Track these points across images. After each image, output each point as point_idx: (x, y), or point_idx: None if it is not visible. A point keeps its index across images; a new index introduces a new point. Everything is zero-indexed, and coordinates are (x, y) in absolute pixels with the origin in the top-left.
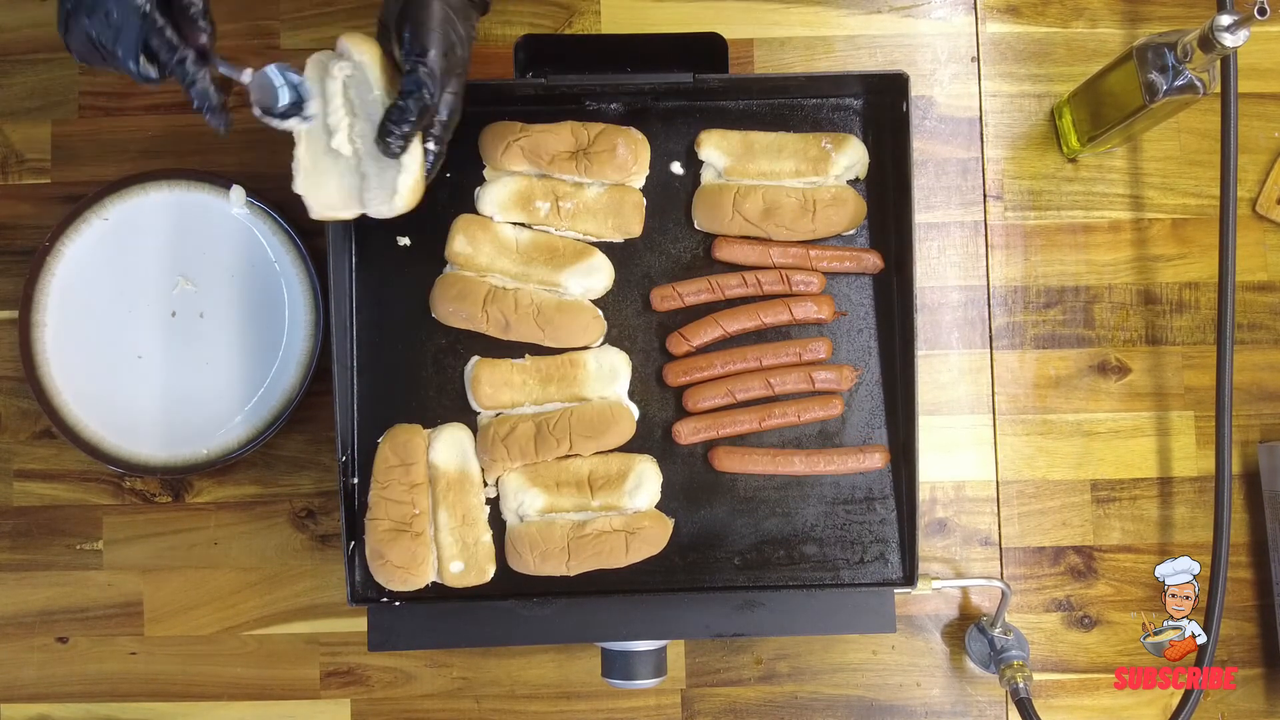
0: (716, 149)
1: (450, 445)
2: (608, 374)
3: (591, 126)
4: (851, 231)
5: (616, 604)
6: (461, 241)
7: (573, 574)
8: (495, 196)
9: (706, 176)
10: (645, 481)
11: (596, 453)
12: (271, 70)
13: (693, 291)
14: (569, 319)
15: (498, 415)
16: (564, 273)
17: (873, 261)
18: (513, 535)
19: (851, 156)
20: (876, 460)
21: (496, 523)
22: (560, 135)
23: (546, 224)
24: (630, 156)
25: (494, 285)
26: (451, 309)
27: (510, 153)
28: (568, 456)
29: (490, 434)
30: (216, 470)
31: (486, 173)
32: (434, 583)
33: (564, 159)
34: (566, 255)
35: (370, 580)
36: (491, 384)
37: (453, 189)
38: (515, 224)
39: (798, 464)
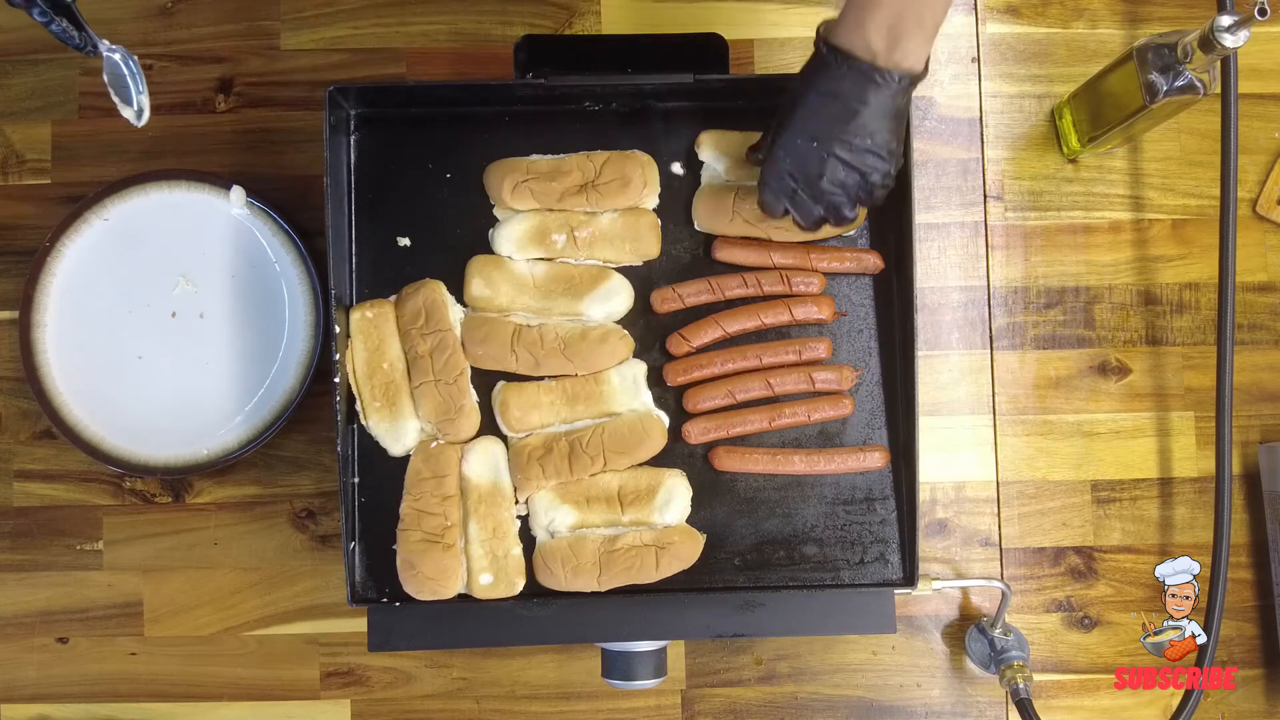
0: (716, 149)
1: (483, 458)
2: (631, 386)
3: (596, 157)
4: (852, 232)
5: (616, 604)
6: (479, 284)
7: (604, 589)
8: (511, 235)
9: (706, 177)
10: (675, 497)
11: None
12: (123, 58)
13: (693, 292)
14: (595, 347)
15: (529, 435)
16: (584, 300)
17: (873, 262)
18: (544, 551)
19: None
20: (876, 460)
21: (526, 538)
22: (567, 174)
23: (565, 255)
24: (640, 182)
25: (518, 324)
26: (480, 352)
27: (519, 193)
28: (601, 472)
29: (525, 454)
30: (216, 470)
31: (498, 211)
32: (462, 594)
33: (573, 194)
34: (584, 283)
35: (370, 580)
36: (520, 407)
37: (452, 188)
38: (533, 259)
39: (798, 463)
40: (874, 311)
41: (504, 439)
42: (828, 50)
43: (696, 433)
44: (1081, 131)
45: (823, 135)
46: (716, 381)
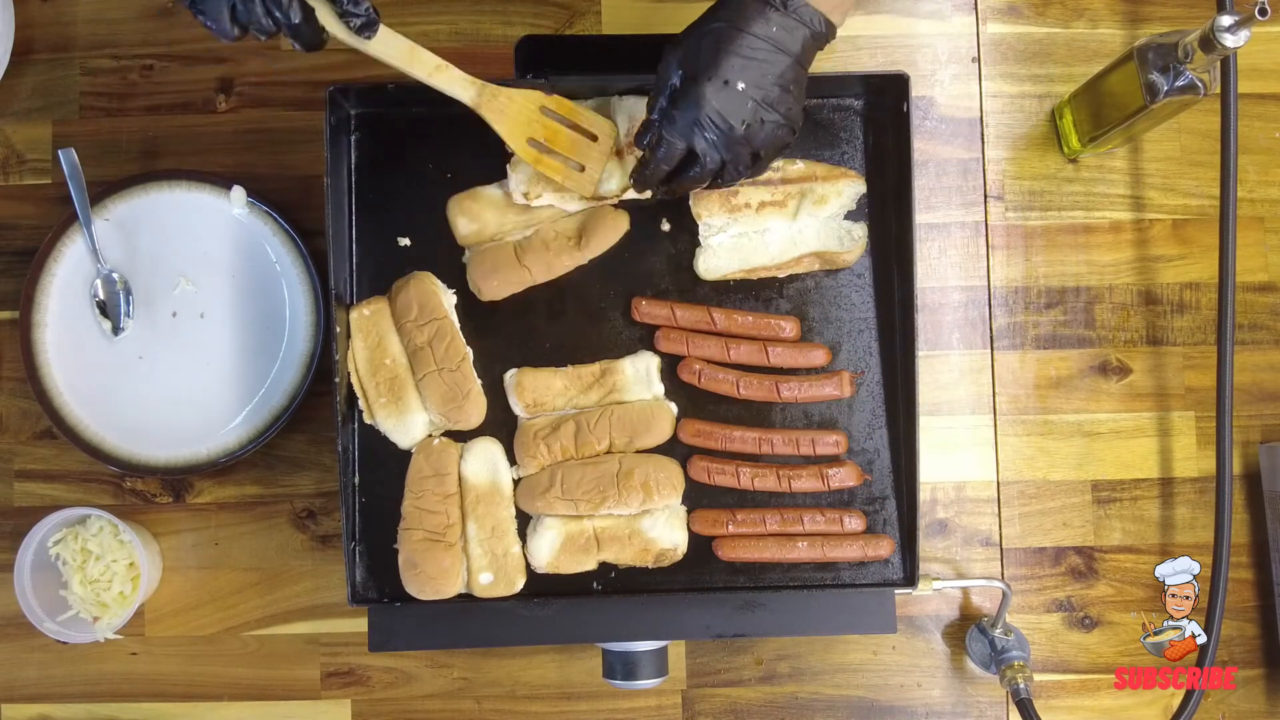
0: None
1: (481, 458)
2: (644, 377)
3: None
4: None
5: (617, 604)
6: (464, 223)
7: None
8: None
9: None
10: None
11: (638, 450)
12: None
13: (690, 319)
14: (599, 222)
15: (538, 416)
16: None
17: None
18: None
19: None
20: (883, 549)
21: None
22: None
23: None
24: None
25: (515, 241)
26: (495, 282)
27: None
28: (608, 453)
29: (531, 433)
30: (216, 470)
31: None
32: (462, 594)
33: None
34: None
35: (370, 580)
36: (534, 390)
37: (452, 188)
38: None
39: (802, 550)
40: (875, 311)
41: (513, 425)
42: None
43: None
44: (1082, 131)
45: (752, 81)
46: (725, 460)
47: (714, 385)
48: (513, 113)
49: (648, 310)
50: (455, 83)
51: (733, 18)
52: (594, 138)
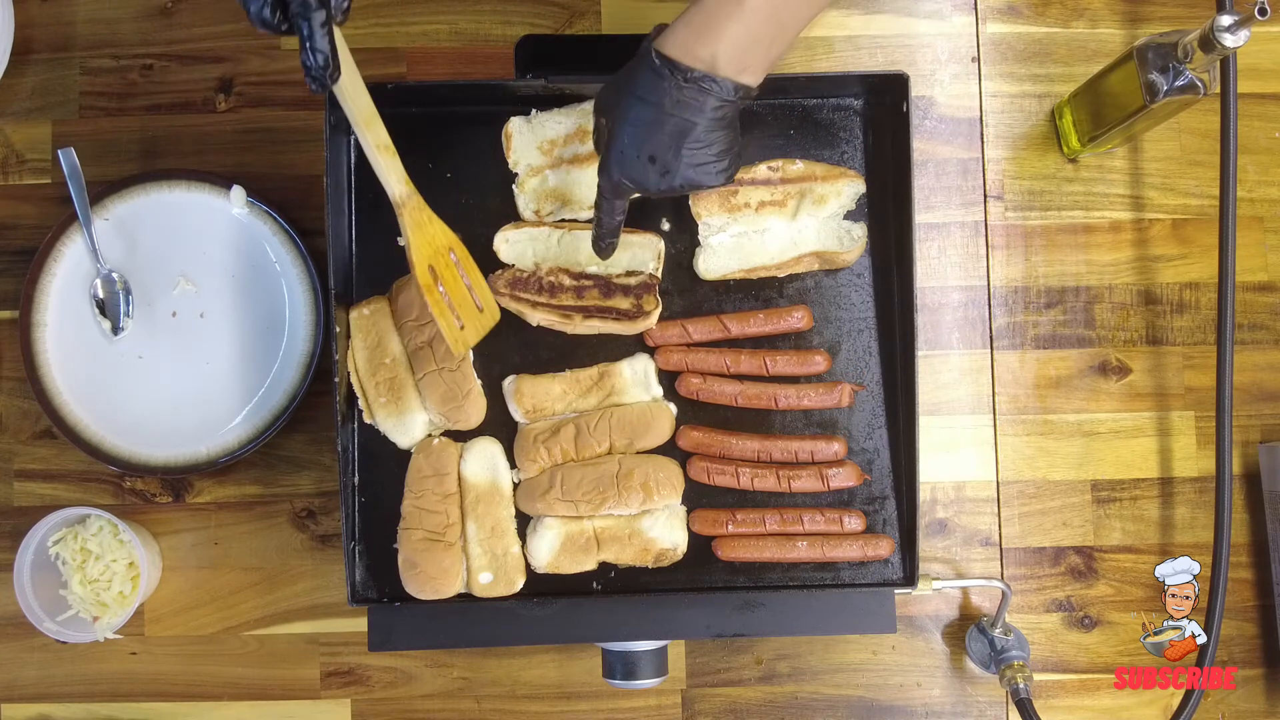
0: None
1: (481, 458)
2: (642, 379)
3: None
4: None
5: (616, 604)
6: (530, 398)
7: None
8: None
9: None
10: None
11: (638, 451)
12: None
13: (702, 331)
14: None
15: (538, 421)
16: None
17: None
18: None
19: None
20: (883, 549)
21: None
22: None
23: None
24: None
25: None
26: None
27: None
28: (608, 454)
29: (531, 437)
30: (216, 470)
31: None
32: (462, 594)
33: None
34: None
35: (370, 580)
36: (534, 396)
37: (452, 188)
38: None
39: (802, 550)
40: (874, 311)
41: (512, 424)
42: (661, 63)
43: (701, 522)
44: (1082, 131)
45: (659, 151)
46: (728, 465)
47: (713, 399)
48: (428, 233)
49: (660, 335)
50: (393, 171)
51: (631, 88)
52: (481, 309)
